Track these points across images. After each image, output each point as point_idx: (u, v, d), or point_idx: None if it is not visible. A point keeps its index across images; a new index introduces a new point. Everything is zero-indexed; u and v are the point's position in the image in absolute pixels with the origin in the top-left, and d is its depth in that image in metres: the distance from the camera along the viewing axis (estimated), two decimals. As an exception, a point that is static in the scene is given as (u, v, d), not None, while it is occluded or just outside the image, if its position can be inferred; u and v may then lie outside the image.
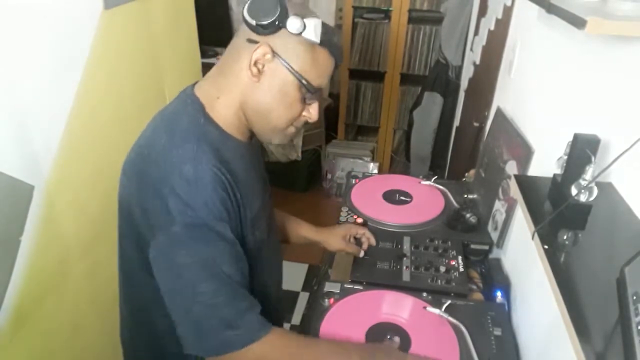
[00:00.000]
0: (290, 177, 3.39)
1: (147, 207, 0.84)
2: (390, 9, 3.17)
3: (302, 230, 1.30)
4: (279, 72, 0.85)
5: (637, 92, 0.78)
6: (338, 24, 3.42)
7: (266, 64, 0.85)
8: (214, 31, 3.01)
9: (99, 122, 1.38)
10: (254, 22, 0.82)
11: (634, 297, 0.58)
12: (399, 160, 3.58)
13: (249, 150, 0.96)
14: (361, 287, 1.16)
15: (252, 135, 0.96)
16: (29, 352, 1.19)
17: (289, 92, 0.87)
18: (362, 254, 1.27)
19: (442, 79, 2.81)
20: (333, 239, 1.28)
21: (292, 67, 0.85)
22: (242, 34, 0.86)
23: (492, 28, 1.89)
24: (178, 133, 0.85)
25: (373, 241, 1.31)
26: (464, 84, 2.49)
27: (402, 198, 1.52)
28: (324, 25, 0.85)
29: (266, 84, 0.86)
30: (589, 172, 0.75)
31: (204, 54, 2.38)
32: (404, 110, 3.39)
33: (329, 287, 1.15)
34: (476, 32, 2.23)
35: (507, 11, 1.62)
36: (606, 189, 0.82)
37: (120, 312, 1.08)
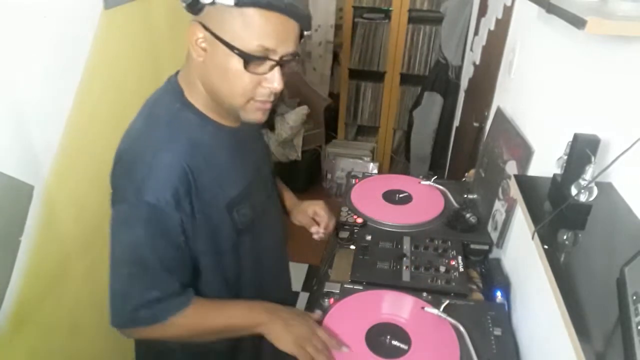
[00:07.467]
0: (290, 177, 3.37)
1: (114, 183, 0.90)
2: (390, 9, 3.17)
3: (284, 198, 1.32)
4: (216, 48, 0.83)
5: (637, 92, 0.78)
6: (338, 24, 3.42)
7: (205, 42, 0.84)
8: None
9: (99, 122, 1.38)
10: (183, 4, 0.83)
11: (634, 297, 0.58)
12: (398, 160, 3.57)
13: (234, 135, 0.95)
14: (361, 287, 1.16)
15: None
16: (29, 352, 1.19)
17: (229, 65, 0.83)
18: (315, 235, 1.25)
19: (442, 79, 2.81)
20: (297, 213, 1.28)
21: (222, 38, 0.82)
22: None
23: (492, 28, 1.89)
24: (152, 119, 0.90)
25: (330, 226, 1.24)
26: (464, 84, 2.49)
27: (402, 198, 1.52)
28: None
29: (210, 63, 0.85)
30: (589, 172, 0.75)
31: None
32: (404, 110, 3.39)
33: (329, 287, 1.15)
34: (476, 32, 2.23)
35: (507, 11, 1.62)
36: (606, 189, 0.82)
37: None
